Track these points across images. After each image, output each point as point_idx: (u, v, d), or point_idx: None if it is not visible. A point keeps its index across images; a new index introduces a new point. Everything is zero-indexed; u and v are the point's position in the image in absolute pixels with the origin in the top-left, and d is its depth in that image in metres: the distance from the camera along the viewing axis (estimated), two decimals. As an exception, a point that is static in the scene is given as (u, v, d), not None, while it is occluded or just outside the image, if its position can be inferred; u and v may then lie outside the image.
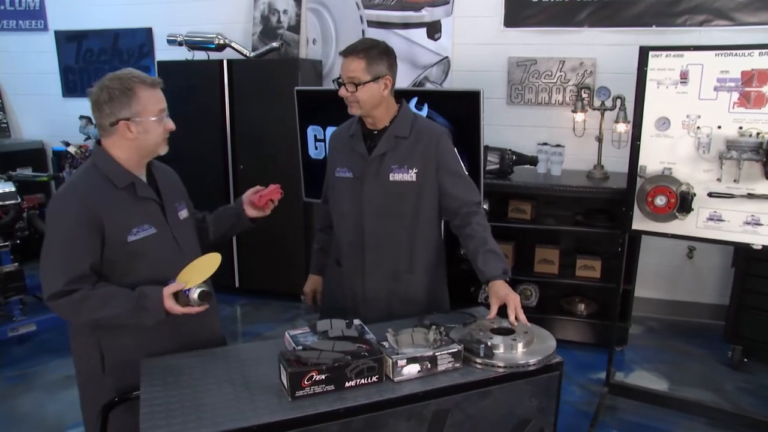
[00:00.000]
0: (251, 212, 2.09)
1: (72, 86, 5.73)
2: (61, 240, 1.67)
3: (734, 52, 2.54)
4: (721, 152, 2.60)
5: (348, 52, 1.99)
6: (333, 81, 2.06)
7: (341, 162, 2.16)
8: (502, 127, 4.28)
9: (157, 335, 1.77)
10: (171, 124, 1.79)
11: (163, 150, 1.81)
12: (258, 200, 2.06)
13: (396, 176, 2.06)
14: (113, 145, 1.74)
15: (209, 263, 1.72)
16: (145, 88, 1.70)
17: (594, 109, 3.96)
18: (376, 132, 2.10)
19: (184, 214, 1.93)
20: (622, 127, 3.83)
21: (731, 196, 2.64)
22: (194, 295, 1.67)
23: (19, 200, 3.83)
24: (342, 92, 2.02)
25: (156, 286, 1.68)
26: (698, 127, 2.68)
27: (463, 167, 2.18)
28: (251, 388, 1.57)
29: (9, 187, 3.83)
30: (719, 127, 2.62)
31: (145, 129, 1.71)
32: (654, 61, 2.74)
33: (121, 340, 1.76)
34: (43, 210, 4.07)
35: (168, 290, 1.66)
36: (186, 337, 1.85)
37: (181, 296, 1.67)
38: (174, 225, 1.85)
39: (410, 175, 2.06)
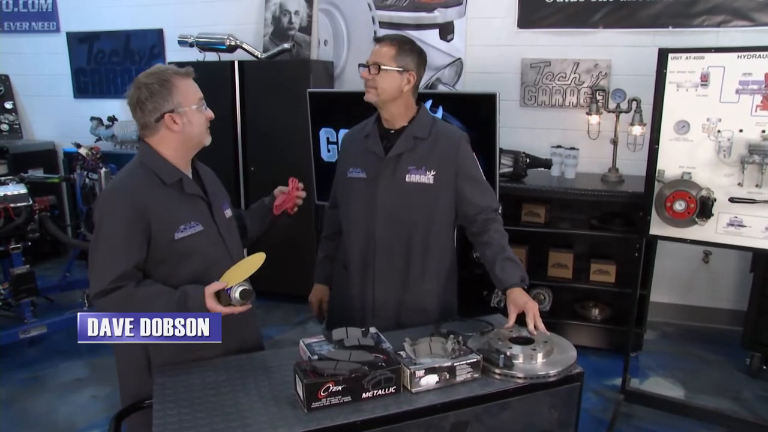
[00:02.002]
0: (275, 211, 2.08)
1: (83, 87, 5.74)
2: (107, 239, 1.67)
3: (758, 53, 2.48)
4: (742, 156, 2.55)
5: (382, 38, 2.00)
6: (359, 66, 2.04)
7: (355, 162, 2.11)
8: (515, 130, 4.23)
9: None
10: (210, 113, 1.80)
11: (207, 140, 1.82)
12: (275, 209, 2.07)
13: (413, 177, 2.01)
14: (159, 142, 1.75)
15: (252, 262, 1.67)
16: (181, 78, 1.72)
17: (609, 112, 3.91)
18: (393, 132, 2.06)
19: (228, 212, 1.93)
20: (638, 130, 3.78)
21: (753, 201, 2.58)
22: (236, 294, 1.60)
23: (31, 202, 3.83)
24: (364, 74, 1.99)
25: (198, 285, 1.64)
26: (719, 131, 2.62)
27: (482, 173, 2.13)
28: (265, 398, 1.55)
29: (21, 189, 3.83)
30: (741, 131, 2.57)
31: (189, 119, 1.73)
32: (673, 63, 2.69)
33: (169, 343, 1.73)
34: (54, 212, 4.07)
35: (210, 289, 1.61)
36: (231, 341, 1.81)
37: (223, 296, 1.62)
38: (220, 223, 1.85)
39: (427, 177, 2.01)
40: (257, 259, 1.67)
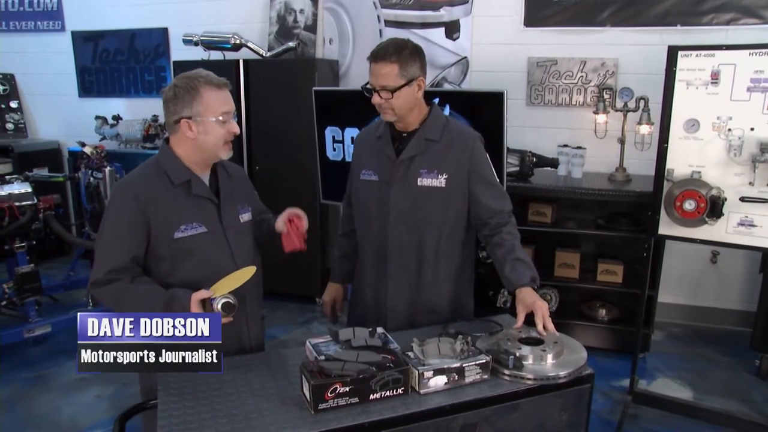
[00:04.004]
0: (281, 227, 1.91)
1: (88, 86, 5.74)
2: (107, 231, 1.74)
3: (769, 51, 2.45)
4: (754, 155, 2.52)
5: (378, 58, 1.91)
6: (361, 87, 1.99)
7: (367, 164, 2.08)
8: (522, 129, 4.21)
9: None
10: (235, 128, 1.78)
11: (225, 154, 1.79)
12: (287, 243, 1.89)
13: (424, 181, 1.98)
14: (176, 143, 1.78)
15: (241, 275, 1.70)
16: (211, 88, 1.72)
17: (616, 111, 3.88)
18: (405, 134, 2.03)
19: (246, 217, 1.92)
20: (646, 129, 3.74)
21: (764, 200, 2.55)
22: (218, 305, 1.62)
23: (36, 201, 3.82)
24: (376, 100, 1.94)
25: (187, 290, 1.66)
26: (729, 129, 2.59)
27: (495, 174, 2.10)
28: (271, 399, 1.53)
29: (26, 188, 3.82)
30: (752, 129, 2.53)
31: (205, 129, 1.73)
32: (683, 61, 2.66)
33: None
34: (58, 211, 4.07)
35: (196, 296, 1.64)
36: (229, 343, 1.79)
37: (207, 305, 1.65)
38: (228, 227, 1.84)
39: (439, 181, 1.98)
40: (246, 273, 1.71)
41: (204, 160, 1.81)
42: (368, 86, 1.95)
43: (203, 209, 1.79)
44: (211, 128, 1.73)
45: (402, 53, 1.90)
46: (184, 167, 1.77)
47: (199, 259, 1.77)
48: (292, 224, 1.88)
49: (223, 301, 1.63)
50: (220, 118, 1.73)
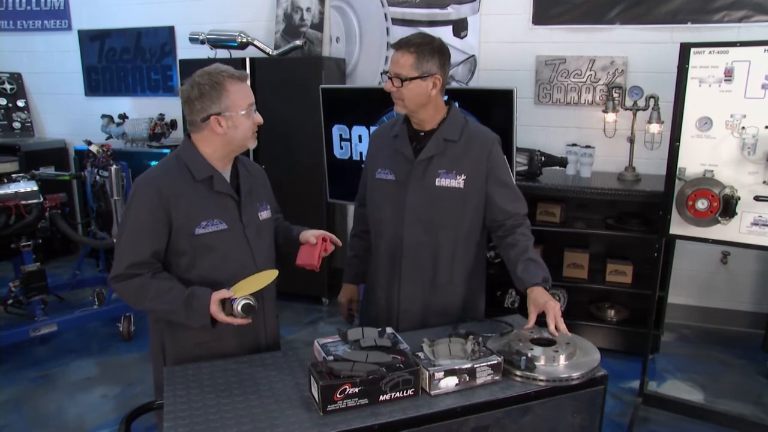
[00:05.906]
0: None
1: (95, 85, 5.74)
2: (129, 226, 1.72)
3: (785, 48, 2.41)
4: (768, 154, 2.48)
5: (399, 46, 1.91)
6: (381, 73, 1.98)
7: (383, 163, 2.05)
8: (530, 128, 4.17)
9: (218, 336, 1.77)
10: (259, 118, 1.79)
11: (252, 144, 1.81)
12: (305, 255, 1.89)
13: (443, 181, 1.96)
14: (201, 140, 1.76)
15: (264, 278, 1.70)
16: (234, 82, 1.71)
17: (625, 109, 3.84)
18: (423, 134, 2.00)
19: (265, 215, 1.92)
20: (656, 128, 3.70)
21: (779, 200, 2.51)
22: (238, 306, 1.62)
23: (42, 199, 3.81)
24: (387, 86, 1.94)
25: (207, 289, 1.66)
26: (743, 128, 2.55)
27: (512, 177, 2.07)
28: (279, 400, 1.50)
29: (32, 186, 3.81)
30: (767, 127, 2.49)
31: (235, 123, 1.72)
32: (696, 58, 2.62)
33: (182, 336, 1.78)
34: (65, 209, 4.06)
35: (216, 295, 1.64)
36: (246, 342, 1.85)
37: (227, 304, 1.64)
38: (248, 224, 1.83)
39: (458, 182, 1.96)
40: (269, 276, 1.72)
41: (230, 153, 1.80)
42: (387, 72, 1.95)
43: (224, 206, 1.78)
44: (240, 122, 1.72)
45: (423, 47, 1.89)
46: (206, 163, 1.76)
47: (219, 256, 1.76)
48: (323, 242, 1.89)
49: (244, 302, 1.62)
50: (247, 111, 1.73)
